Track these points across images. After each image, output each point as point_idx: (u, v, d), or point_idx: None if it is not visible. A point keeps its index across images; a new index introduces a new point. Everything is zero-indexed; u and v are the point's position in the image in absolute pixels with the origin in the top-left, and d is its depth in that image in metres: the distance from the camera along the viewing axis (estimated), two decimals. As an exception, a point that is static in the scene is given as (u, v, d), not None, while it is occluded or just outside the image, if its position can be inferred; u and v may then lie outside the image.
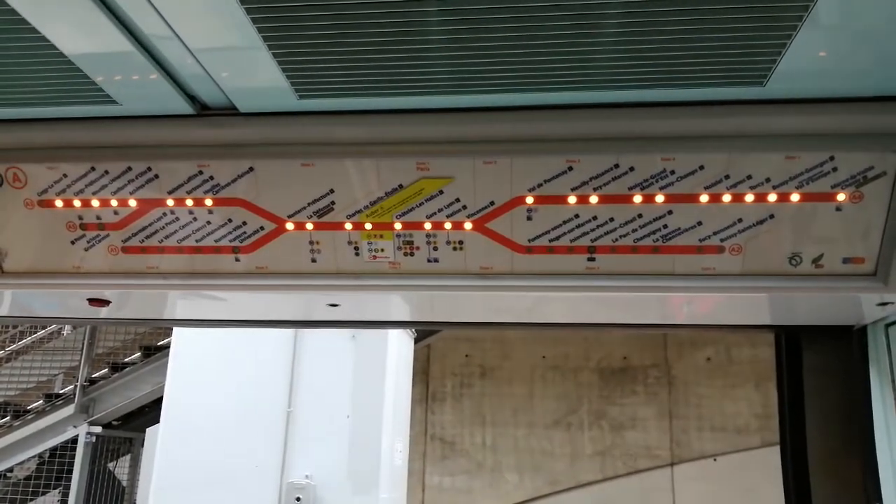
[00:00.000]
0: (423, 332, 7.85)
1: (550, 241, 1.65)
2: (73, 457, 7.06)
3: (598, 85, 1.42)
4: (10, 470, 7.43)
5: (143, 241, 1.75)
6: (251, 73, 1.42)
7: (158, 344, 7.40)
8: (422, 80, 1.41)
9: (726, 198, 1.57)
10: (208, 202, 1.69)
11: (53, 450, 7.24)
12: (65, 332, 7.82)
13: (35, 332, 7.83)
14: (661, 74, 1.37)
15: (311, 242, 1.71)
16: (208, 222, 1.72)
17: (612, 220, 1.61)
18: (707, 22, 1.20)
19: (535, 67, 1.36)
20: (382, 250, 1.70)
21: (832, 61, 1.32)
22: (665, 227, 1.61)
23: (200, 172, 1.67)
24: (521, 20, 1.21)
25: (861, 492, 1.97)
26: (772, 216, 1.57)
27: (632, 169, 1.56)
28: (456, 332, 8.53)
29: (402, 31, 1.25)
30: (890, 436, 1.89)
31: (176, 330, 5.31)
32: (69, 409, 7.17)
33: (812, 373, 2.10)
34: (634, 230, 1.62)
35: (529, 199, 1.62)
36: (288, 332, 5.06)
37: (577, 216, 1.62)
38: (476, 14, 1.20)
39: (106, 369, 7.45)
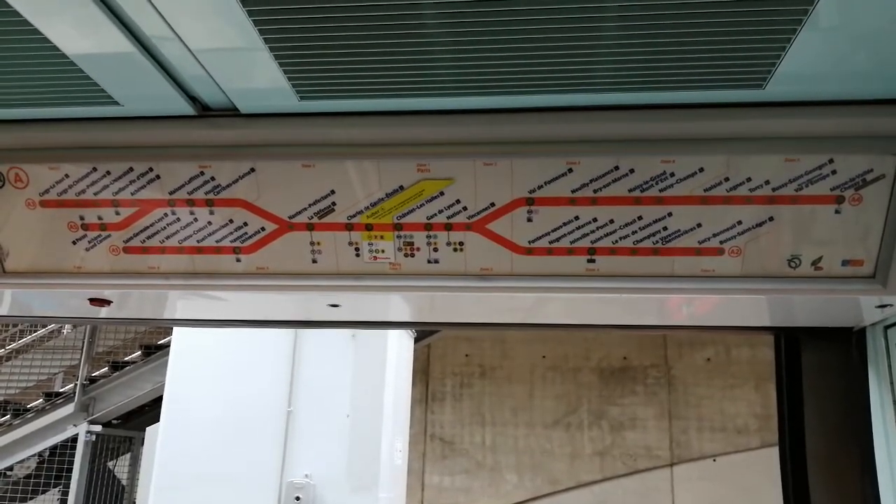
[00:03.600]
0: (423, 331, 7.85)
1: (550, 242, 1.65)
2: (72, 455, 7.07)
3: (598, 87, 1.42)
4: (10, 468, 7.43)
5: (144, 241, 1.76)
6: (252, 74, 1.42)
7: (159, 343, 7.41)
8: (423, 81, 1.42)
9: (726, 200, 1.57)
10: (209, 203, 1.70)
11: (53, 448, 7.24)
12: (65, 331, 7.83)
13: (35, 331, 7.83)
14: (661, 77, 1.37)
15: (311, 243, 1.72)
16: (209, 223, 1.72)
17: (611, 221, 1.62)
18: (707, 24, 1.21)
19: (535, 70, 1.36)
20: (383, 251, 1.70)
21: (832, 64, 1.32)
22: (665, 229, 1.61)
23: (202, 173, 1.67)
24: (522, 22, 1.22)
25: (859, 494, 1.97)
26: (771, 218, 1.58)
27: (632, 171, 1.57)
28: (456, 332, 8.54)
29: (404, 32, 1.25)
30: (888, 438, 1.90)
31: (176, 329, 5.31)
32: (69, 408, 7.17)
33: (811, 375, 2.10)
34: (634, 232, 1.62)
35: (530, 201, 1.62)
36: (288, 332, 5.07)
37: (577, 218, 1.63)
38: (476, 17, 1.21)
39: (106, 368, 7.45)
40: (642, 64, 1.33)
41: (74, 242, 1.78)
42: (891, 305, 1.73)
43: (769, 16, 1.18)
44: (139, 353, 7.50)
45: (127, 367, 7.40)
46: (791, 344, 2.18)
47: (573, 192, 1.60)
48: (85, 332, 7.43)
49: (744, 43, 1.25)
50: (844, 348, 2.05)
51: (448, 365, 8.83)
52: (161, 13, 1.22)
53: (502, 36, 1.25)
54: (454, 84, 1.42)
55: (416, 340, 6.30)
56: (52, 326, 7.74)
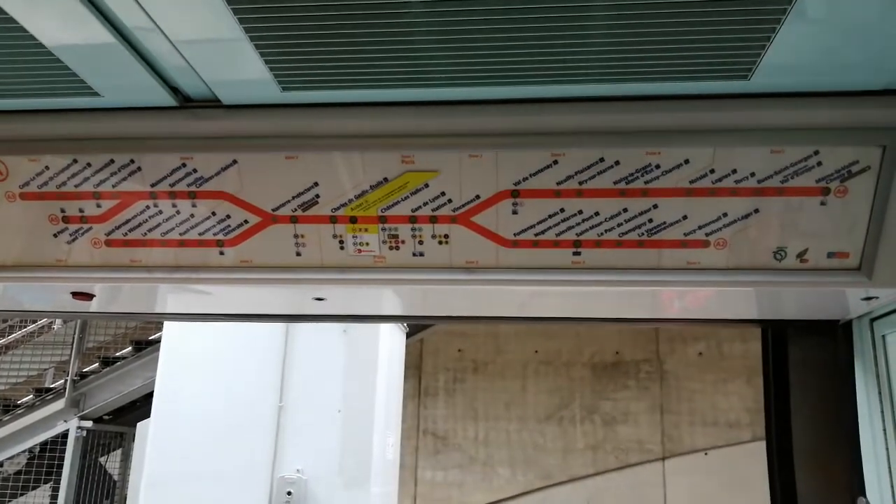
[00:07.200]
0: (416, 326, 7.84)
1: (536, 235, 1.65)
2: (63, 451, 7.03)
3: (583, 79, 1.41)
4: (0, 465, 7.39)
5: (126, 234, 1.74)
6: (234, 65, 1.40)
7: (149, 338, 7.38)
8: (406, 72, 1.40)
9: (711, 192, 1.57)
10: (192, 195, 1.68)
11: (44, 444, 7.19)
12: (55, 327, 7.79)
13: (25, 326, 7.79)
14: (647, 68, 1.37)
15: (295, 236, 1.70)
16: (192, 215, 1.71)
17: (597, 214, 1.61)
18: (692, 15, 1.20)
19: (520, 61, 1.35)
20: (367, 244, 1.69)
21: (817, 55, 1.32)
22: (650, 221, 1.61)
23: (184, 165, 1.66)
24: (507, 13, 1.21)
25: (846, 485, 1.98)
26: (757, 210, 1.57)
27: (617, 163, 1.56)
28: (448, 326, 8.54)
29: (387, 22, 1.24)
30: (874, 430, 1.90)
31: (167, 324, 5.29)
32: (59, 404, 7.12)
33: (798, 367, 2.10)
34: (620, 224, 1.62)
35: (515, 193, 1.61)
36: (279, 327, 5.05)
37: (562, 210, 1.62)
38: (462, 7, 1.20)
39: (97, 364, 7.42)
40: (628, 55, 1.32)
41: (56, 235, 1.76)
42: (876, 298, 1.74)
43: (754, 6, 1.17)
44: (130, 348, 7.47)
45: (118, 363, 7.36)
46: (778, 337, 2.19)
47: (558, 184, 1.59)
48: (75, 327, 7.39)
49: (729, 33, 1.25)
50: (831, 341, 2.06)
51: (441, 360, 8.83)
52: (141, 4, 1.20)
53: (487, 26, 1.24)
54: (439, 75, 1.41)
55: (409, 335, 6.29)
56: (42, 321, 7.70)
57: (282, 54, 1.35)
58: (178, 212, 1.70)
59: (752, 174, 1.54)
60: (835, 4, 1.17)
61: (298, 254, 1.72)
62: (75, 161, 1.67)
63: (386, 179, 1.63)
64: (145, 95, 1.53)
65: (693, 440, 8.26)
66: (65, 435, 7.07)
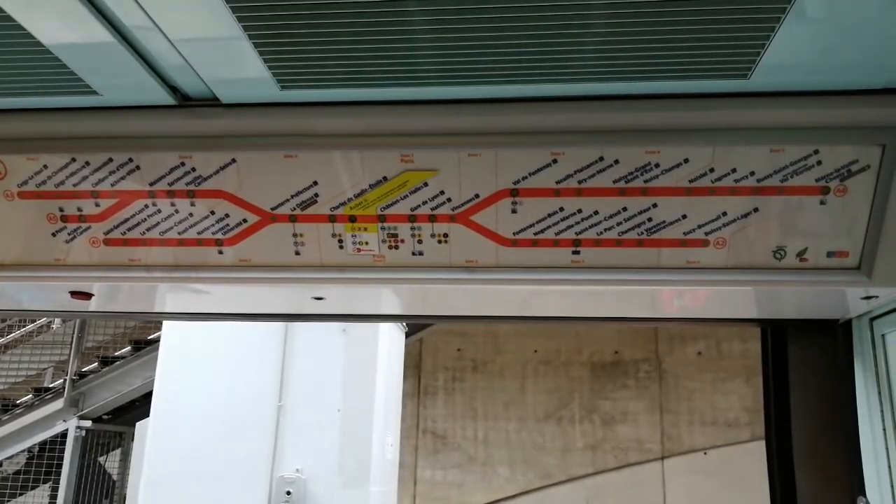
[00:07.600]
0: (415, 326, 7.84)
1: (535, 234, 1.65)
2: (62, 451, 7.03)
3: (583, 77, 1.41)
4: (0, 464, 7.39)
5: (125, 233, 1.74)
6: (232, 63, 1.40)
7: (148, 338, 7.37)
8: (406, 71, 1.40)
9: (711, 191, 1.56)
10: (191, 194, 1.68)
11: (43, 444, 7.19)
12: (54, 326, 7.78)
13: (24, 326, 7.78)
14: (646, 67, 1.36)
15: (294, 235, 1.70)
16: (191, 214, 1.71)
17: (596, 213, 1.61)
18: (691, 14, 1.20)
19: (520, 59, 1.35)
20: (367, 243, 1.69)
21: (817, 54, 1.31)
22: (650, 220, 1.60)
23: (182, 164, 1.65)
24: (507, 11, 1.21)
25: (845, 485, 1.98)
26: (756, 209, 1.57)
27: (616, 162, 1.56)
28: (448, 326, 8.54)
29: (386, 20, 1.24)
30: (874, 429, 1.90)
31: (166, 324, 5.28)
32: (58, 404, 7.12)
33: (797, 367, 2.10)
34: (619, 223, 1.61)
35: (514, 192, 1.61)
36: (279, 326, 5.04)
37: (561, 209, 1.62)
38: (461, 5, 1.19)
39: (96, 363, 7.42)
40: (627, 54, 1.32)
41: (54, 234, 1.76)
42: (876, 297, 1.74)
43: (754, 5, 1.17)
44: (129, 348, 7.46)
45: (117, 363, 7.36)
46: (777, 336, 2.19)
47: (558, 183, 1.59)
48: (74, 326, 7.38)
49: (728, 32, 1.24)
50: (830, 340, 2.06)
51: (440, 359, 8.83)
52: (139, 2, 1.20)
53: (487, 24, 1.24)
54: (438, 73, 1.41)
55: (408, 335, 6.28)
56: (41, 321, 7.69)
57: (280, 53, 1.35)
58: (176, 211, 1.70)
59: (752, 173, 1.54)
60: (834, 4, 1.17)
61: (297, 253, 1.72)
62: (74, 160, 1.67)
63: (385, 178, 1.63)
64: (144, 94, 1.52)
65: (692, 440, 8.27)
66: (64, 434, 7.07)
